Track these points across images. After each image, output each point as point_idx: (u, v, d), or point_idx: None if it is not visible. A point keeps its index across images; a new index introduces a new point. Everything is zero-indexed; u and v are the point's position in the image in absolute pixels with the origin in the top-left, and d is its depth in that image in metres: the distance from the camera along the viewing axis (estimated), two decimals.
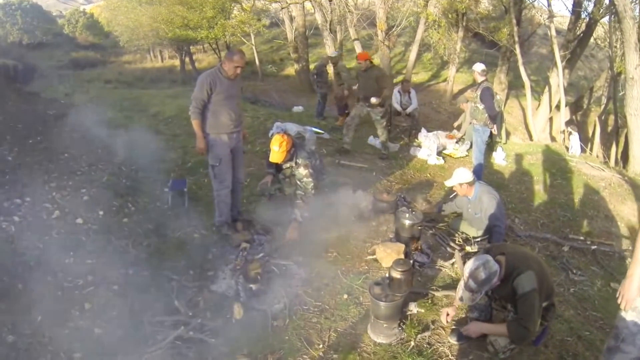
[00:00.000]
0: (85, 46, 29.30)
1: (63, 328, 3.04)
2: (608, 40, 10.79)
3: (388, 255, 4.05)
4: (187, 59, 21.86)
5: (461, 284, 2.92)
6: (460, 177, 4.42)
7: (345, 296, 3.69)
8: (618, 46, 10.20)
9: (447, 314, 3.30)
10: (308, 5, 15.20)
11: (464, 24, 13.71)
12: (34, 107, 7.08)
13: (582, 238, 5.41)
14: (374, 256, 4.21)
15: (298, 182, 4.54)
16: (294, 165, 4.56)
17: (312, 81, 9.57)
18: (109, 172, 5.33)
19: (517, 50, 11.08)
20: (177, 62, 23.12)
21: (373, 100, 6.55)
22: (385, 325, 3.24)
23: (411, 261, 4.06)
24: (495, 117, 6.12)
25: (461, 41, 14.12)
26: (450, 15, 13.02)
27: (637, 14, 8.59)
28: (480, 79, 6.03)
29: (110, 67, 24.21)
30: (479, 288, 2.81)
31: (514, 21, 11.08)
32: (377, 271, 4.05)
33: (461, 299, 2.92)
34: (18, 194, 4.25)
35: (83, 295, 3.37)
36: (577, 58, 11.75)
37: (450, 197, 4.95)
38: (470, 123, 6.39)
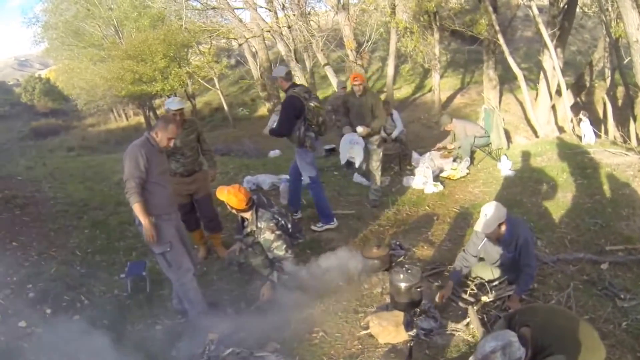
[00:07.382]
0: (45, 113, 28.78)
1: None
2: (597, 4, 9.92)
3: (384, 329, 3.26)
4: (151, 114, 20.32)
5: None
6: (498, 214, 3.35)
7: None
8: (610, 8, 9.40)
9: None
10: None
11: (438, 24, 12.99)
12: None
13: (622, 248, 4.48)
14: (368, 331, 3.39)
15: (268, 252, 3.97)
16: (255, 229, 3.98)
17: (329, 122, 8.13)
18: (60, 261, 4.74)
19: (501, 40, 10.30)
20: (142, 118, 21.78)
21: (360, 129, 5.49)
22: None
23: (414, 331, 3.28)
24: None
25: (439, 43, 13.41)
26: (421, 18, 12.24)
27: None
28: (285, 85, 4.73)
29: (73, 133, 23.34)
30: None
31: (490, 9, 10.38)
32: (373, 350, 3.23)
33: None
34: None
35: None
36: (567, 33, 10.93)
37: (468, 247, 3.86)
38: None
